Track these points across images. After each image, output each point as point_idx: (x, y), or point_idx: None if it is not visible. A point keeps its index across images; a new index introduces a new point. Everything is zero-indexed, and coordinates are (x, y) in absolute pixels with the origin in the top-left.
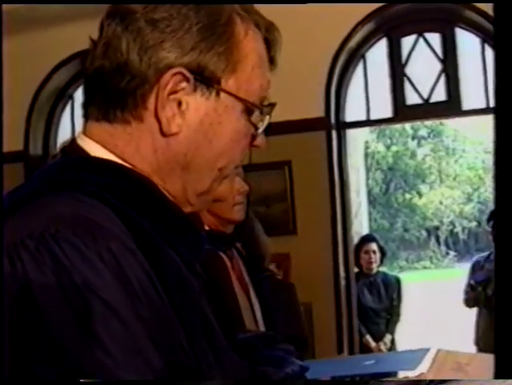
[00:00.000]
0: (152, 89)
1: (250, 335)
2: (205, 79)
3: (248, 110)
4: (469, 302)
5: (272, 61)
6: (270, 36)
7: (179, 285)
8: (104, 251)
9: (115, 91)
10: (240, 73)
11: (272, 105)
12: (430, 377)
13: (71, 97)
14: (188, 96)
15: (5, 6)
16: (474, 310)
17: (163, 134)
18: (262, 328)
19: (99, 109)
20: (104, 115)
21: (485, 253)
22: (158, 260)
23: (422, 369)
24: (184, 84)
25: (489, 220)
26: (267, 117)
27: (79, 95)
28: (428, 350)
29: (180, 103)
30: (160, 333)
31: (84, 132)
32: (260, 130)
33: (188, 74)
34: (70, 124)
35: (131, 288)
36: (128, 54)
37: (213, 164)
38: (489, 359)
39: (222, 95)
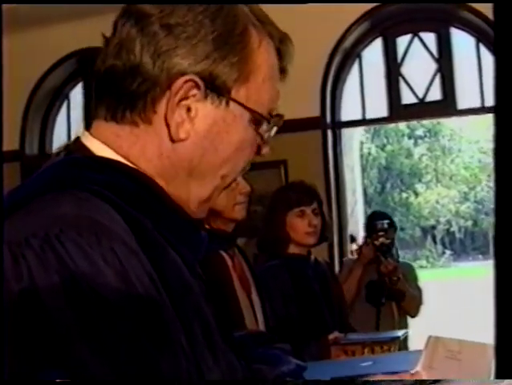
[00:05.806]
0: (163, 93)
1: (243, 334)
2: (216, 88)
3: (256, 120)
4: None
5: (283, 71)
6: (283, 47)
7: (180, 287)
8: (108, 252)
9: (125, 92)
10: (251, 84)
11: (279, 116)
12: (426, 364)
13: (67, 96)
14: (198, 103)
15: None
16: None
17: (171, 139)
18: (262, 327)
19: (108, 109)
20: (113, 115)
21: None
22: (160, 261)
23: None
24: (195, 91)
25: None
26: (274, 128)
27: (75, 94)
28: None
29: (189, 110)
30: (161, 335)
31: (90, 131)
32: (266, 140)
33: (199, 82)
34: (66, 124)
35: (133, 290)
36: (141, 57)
37: (217, 170)
38: (478, 347)
39: (232, 104)
